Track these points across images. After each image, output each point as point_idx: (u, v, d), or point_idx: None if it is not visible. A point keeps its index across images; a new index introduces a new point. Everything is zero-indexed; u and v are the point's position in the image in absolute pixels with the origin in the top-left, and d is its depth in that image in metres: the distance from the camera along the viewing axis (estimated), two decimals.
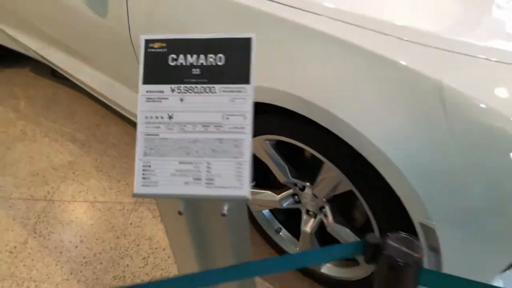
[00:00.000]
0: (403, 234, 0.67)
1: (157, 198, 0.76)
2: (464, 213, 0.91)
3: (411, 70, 0.89)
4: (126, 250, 1.63)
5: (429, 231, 0.98)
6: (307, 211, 1.33)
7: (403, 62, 0.90)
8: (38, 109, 2.41)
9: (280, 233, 1.49)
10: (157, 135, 0.73)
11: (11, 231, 1.73)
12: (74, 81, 2.08)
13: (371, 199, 1.05)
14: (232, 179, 0.71)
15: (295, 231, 1.44)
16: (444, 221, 0.94)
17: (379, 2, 1.08)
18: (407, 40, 0.95)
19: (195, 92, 0.72)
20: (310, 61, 1.01)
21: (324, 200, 1.24)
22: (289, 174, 1.27)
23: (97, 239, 1.67)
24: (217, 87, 0.72)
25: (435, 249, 1.01)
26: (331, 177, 1.13)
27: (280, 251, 1.51)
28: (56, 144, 2.16)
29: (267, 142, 1.24)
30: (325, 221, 1.28)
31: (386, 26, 0.98)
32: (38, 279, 1.55)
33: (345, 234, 1.24)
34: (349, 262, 1.34)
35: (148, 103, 0.74)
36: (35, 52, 2.19)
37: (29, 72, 2.75)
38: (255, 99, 1.08)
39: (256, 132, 1.21)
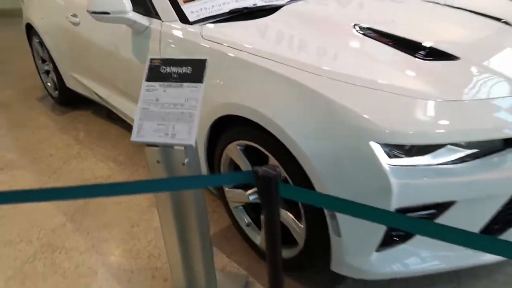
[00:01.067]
0: (271, 166, 1.16)
1: (143, 144, 1.31)
2: (345, 186, 1.37)
3: (319, 94, 1.41)
4: (137, 234, 2.13)
5: None
6: None
7: (314, 88, 1.43)
8: (92, 139, 3.10)
9: (250, 227, 1.94)
10: (148, 109, 1.30)
11: (55, 216, 2.31)
12: (125, 118, 2.75)
13: (292, 175, 1.50)
14: (186, 134, 1.25)
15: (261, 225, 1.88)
16: (334, 192, 1.39)
17: (315, 52, 1.63)
18: (323, 77, 1.48)
19: (172, 87, 1.30)
20: (263, 87, 1.56)
21: None
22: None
23: (117, 225, 2.20)
24: (185, 84, 1.29)
25: (333, 216, 1.44)
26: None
27: (249, 241, 1.95)
28: (101, 163, 2.79)
29: (238, 147, 1.76)
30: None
31: (314, 68, 1.52)
32: (68, 247, 2.08)
33: (287, 217, 1.68)
34: (287, 245, 1.74)
35: (146, 92, 1.32)
36: (98, 95, 2.94)
37: (90, 114, 3.52)
38: (230, 112, 1.64)
39: (231, 140, 1.75)
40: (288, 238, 1.72)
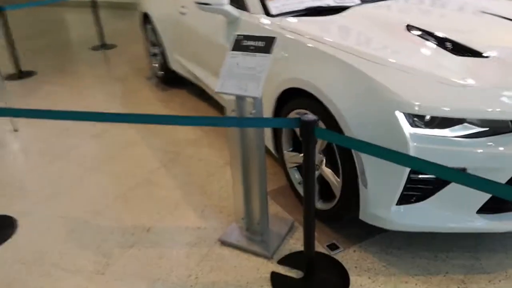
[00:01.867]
0: (311, 115, 1.58)
1: (222, 94, 1.80)
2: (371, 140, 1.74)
3: (362, 72, 1.80)
4: (212, 181, 2.67)
5: (357, 157, 1.81)
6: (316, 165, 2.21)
7: (359, 68, 1.83)
8: (185, 111, 3.74)
9: (300, 184, 2.36)
10: (230, 70, 1.79)
11: (153, 162, 2.93)
12: (213, 95, 3.31)
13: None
14: (255, 90, 1.72)
15: None
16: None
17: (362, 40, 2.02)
18: (369, 61, 1.86)
19: (249, 56, 1.78)
20: (321, 67, 1.99)
21: (320, 154, 2.12)
22: None
23: (198, 174, 2.75)
24: (258, 54, 1.76)
25: (363, 171, 1.82)
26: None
27: (300, 197, 2.37)
28: (191, 130, 3.39)
29: (296, 115, 2.20)
30: (321, 167, 2.14)
31: (363, 54, 1.91)
32: (161, 184, 2.67)
33: (328, 173, 2.08)
34: (326, 199, 2.13)
35: (231, 58, 1.81)
36: (194, 75, 3.55)
37: (186, 92, 4.19)
38: (294, 85, 2.08)
39: (291, 109, 2.19)
40: (328, 193, 2.12)
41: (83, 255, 2.14)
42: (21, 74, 4.98)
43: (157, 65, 4.42)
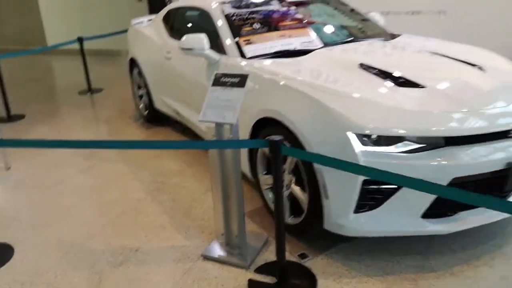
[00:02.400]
0: (280, 137, 1.91)
1: (206, 122, 2.12)
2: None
3: (320, 102, 2.16)
4: (195, 206, 2.93)
5: (319, 172, 2.12)
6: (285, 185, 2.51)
7: (318, 99, 2.18)
8: None
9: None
10: (211, 102, 2.13)
11: (139, 191, 3.19)
12: (195, 130, 3.64)
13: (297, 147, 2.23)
14: (231, 118, 2.05)
15: None
16: (325, 167, 2.09)
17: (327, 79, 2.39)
18: (325, 92, 2.22)
19: (226, 90, 2.12)
20: (288, 99, 2.34)
21: (290, 174, 2.43)
22: None
23: (183, 199, 3.01)
24: (234, 88, 2.11)
25: (324, 185, 2.13)
26: (291, 158, 2.36)
27: (273, 213, 2.65)
28: (174, 162, 3.67)
29: None
30: (291, 186, 2.45)
31: (321, 87, 2.27)
32: (147, 211, 2.92)
33: (297, 190, 2.38)
34: (296, 215, 2.42)
35: (211, 93, 2.15)
36: (177, 112, 3.88)
37: (169, 129, 4.50)
38: (266, 115, 2.42)
39: (264, 136, 2.52)
40: (298, 209, 2.41)
41: (77, 274, 2.35)
42: (10, 118, 5.22)
43: (142, 105, 4.75)
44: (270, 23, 3.18)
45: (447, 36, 4.94)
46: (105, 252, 2.51)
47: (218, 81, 2.17)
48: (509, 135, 2.13)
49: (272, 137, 1.91)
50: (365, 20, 3.70)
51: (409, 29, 5.38)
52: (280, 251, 2.13)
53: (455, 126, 2.02)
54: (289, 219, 2.49)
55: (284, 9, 3.32)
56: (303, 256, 2.36)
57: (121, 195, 3.17)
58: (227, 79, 2.16)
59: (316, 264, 2.29)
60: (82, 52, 6.28)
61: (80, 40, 6.21)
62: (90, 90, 6.31)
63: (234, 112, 2.07)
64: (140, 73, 4.50)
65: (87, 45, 6.47)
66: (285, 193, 2.49)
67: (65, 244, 2.61)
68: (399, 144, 2.04)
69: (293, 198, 2.46)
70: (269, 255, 2.38)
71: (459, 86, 2.31)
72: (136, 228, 2.73)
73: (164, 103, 4.16)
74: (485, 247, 2.36)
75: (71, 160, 3.85)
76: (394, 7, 5.77)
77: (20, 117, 5.29)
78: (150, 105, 4.46)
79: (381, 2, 5.80)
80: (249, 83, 2.54)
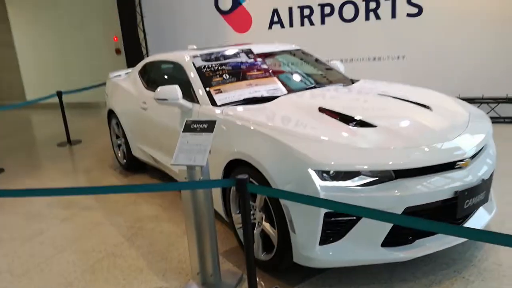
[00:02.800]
0: (245, 176, 2.08)
1: (178, 165, 2.28)
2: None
3: (283, 143, 2.36)
4: (172, 249, 3.02)
5: (285, 208, 2.29)
6: (257, 223, 2.66)
7: (281, 140, 2.39)
8: (146, 193, 4.14)
9: None
10: (182, 147, 2.31)
11: (116, 236, 3.26)
12: (171, 174, 3.79)
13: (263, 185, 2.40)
14: (201, 160, 2.22)
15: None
16: (290, 203, 2.26)
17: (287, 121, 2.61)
18: (287, 135, 2.43)
19: (196, 135, 2.31)
20: (255, 142, 2.54)
21: (260, 211, 2.58)
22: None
23: (160, 243, 3.10)
24: (203, 133, 2.30)
25: (290, 219, 2.29)
26: (260, 196, 2.52)
27: None
28: (151, 207, 3.78)
29: None
30: (262, 223, 2.59)
31: (284, 130, 2.48)
32: (125, 255, 2.99)
33: (267, 226, 2.53)
34: (268, 251, 2.55)
35: (182, 138, 2.34)
36: (154, 158, 4.04)
37: (147, 176, 4.62)
38: (236, 157, 2.61)
39: (236, 174, 2.69)
40: (270, 246, 2.55)
41: None
42: None
43: (120, 154, 4.89)
44: (239, 74, 3.45)
45: (406, 79, 5.34)
46: None
47: (188, 128, 2.36)
48: (456, 167, 2.36)
49: (239, 176, 2.08)
50: (327, 68, 4.02)
51: (372, 73, 5.80)
52: (251, 284, 2.24)
53: (403, 160, 2.24)
54: (262, 256, 2.61)
55: (251, 60, 3.61)
56: None
57: (99, 242, 3.24)
58: (197, 125, 2.35)
59: None
60: (61, 105, 6.45)
61: (59, 94, 6.40)
62: (69, 142, 6.43)
63: (204, 155, 2.24)
64: (118, 124, 4.67)
65: (66, 98, 6.66)
66: (257, 230, 2.63)
67: None
68: (356, 178, 2.24)
69: (265, 235, 2.60)
70: None
71: (408, 125, 2.56)
72: (114, 273, 2.80)
73: (142, 150, 4.31)
74: (446, 273, 2.52)
75: (50, 210, 3.91)
76: (357, 54, 6.21)
77: (0, 171, 5.34)
78: (128, 153, 4.61)
79: (346, 50, 6.24)
80: (219, 128, 2.76)
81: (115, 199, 4.03)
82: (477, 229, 1.57)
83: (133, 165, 4.69)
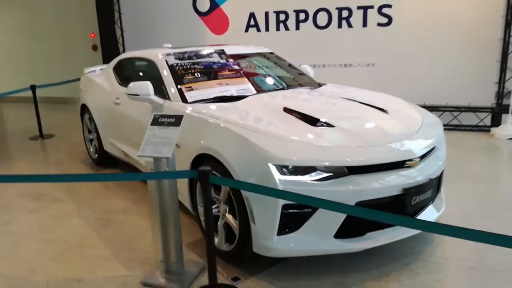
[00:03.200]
0: (208, 167, 2.20)
1: (145, 157, 2.39)
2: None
3: (246, 139, 2.49)
4: (137, 239, 3.10)
5: (247, 200, 2.42)
6: (221, 215, 2.78)
7: (245, 136, 2.52)
8: (116, 186, 4.21)
9: None
10: (149, 139, 2.41)
11: (84, 227, 3.33)
12: (140, 168, 3.87)
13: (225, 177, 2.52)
14: (167, 152, 2.34)
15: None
16: (251, 195, 2.39)
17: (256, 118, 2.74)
18: (252, 131, 2.57)
19: (163, 128, 2.42)
20: (220, 137, 2.66)
21: (224, 204, 2.71)
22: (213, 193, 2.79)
23: (126, 233, 3.18)
24: (170, 127, 2.41)
25: (251, 210, 2.42)
26: (224, 188, 2.65)
27: None
28: (120, 200, 3.85)
29: None
30: (225, 215, 2.71)
31: (248, 127, 2.62)
32: (92, 245, 3.06)
33: (230, 218, 2.65)
34: (230, 242, 2.68)
35: (150, 131, 2.44)
36: (125, 153, 4.11)
37: (118, 171, 4.68)
38: (203, 151, 2.72)
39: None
40: (232, 237, 2.67)
41: None
42: None
43: (92, 149, 4.93)
44: (210, 73, 3.57)
45: (376, 85, 5.58)
46: (49, 284, 2.63)
47: (156, 121, 2.47)
48: (405, 166, 2.55)
49: (201, 168, 2.20)
50: (297, 71, 4.18)
51: (344, 78, 6.01)
52: (211, 273, 2.36)
53: (356, 158, 2.41)
54: (225, 246, 2.74)
55: (223, 61, 3.74)
56: (235, 279, 2.59)
57: (66, 232, 3.29)
58: (164, 119, 2.46)
59: (246, 285, 2.53)
60: (34, 99, 6.42)
61: (32, 87, 6.37)
62: (42, 136, 6.40)
63: (170, 148, 2.36)
64: (90, 118, 4.72)
65: (41, 93, 6.63)
66: (221, 222, 2.75)
67: (9, 279, 2.70)
68: (312, 173, 2.39)
69: (228, 226, 2.72)
70: (205, 281, 2.59)
71: (364, 126, 2.74)
72: (79, 261, 2.87)
73: (113, 145, 4.37)
74: (395, 265, 2.70)
75: (19, 202, 3.94)
76: (330, 60, 6.43)
77: None
78: (99, 148, 4.66)
79: (319, 56, 6.45)
80: (188, 124, 2.87)
81: (85, 192, 4.09)
82: (419, 220, 1.75)
83: (104, 160, 4.74)
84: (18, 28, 9.71)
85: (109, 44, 7.79)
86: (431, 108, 6.00)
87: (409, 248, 2.88)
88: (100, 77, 4.77)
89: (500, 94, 5.81)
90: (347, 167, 2.40)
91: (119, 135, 4.20)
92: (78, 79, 5.65)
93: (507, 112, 5.58)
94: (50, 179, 2.25)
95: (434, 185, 2.69)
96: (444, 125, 5.83)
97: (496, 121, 5.82)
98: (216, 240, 2.81)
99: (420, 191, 2.54)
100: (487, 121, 5.94)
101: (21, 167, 5.05)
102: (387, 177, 2.46)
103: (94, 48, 8.97)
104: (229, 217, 2.67)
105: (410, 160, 2.54)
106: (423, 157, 2.67)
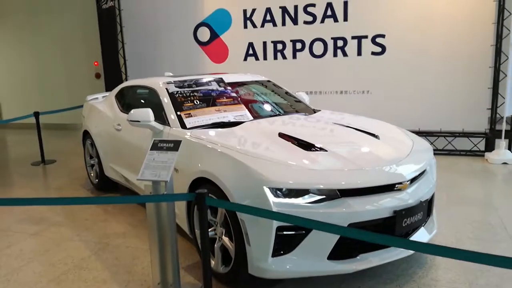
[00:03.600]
0: (204, 190, 2.30)
1: (144, 180, 2.48)
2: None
3: (242, 163, 2.60)
4: (136, 262, 3.16)
5: (242, 222, 2.50)
6: (218, 238, 2.85)
7: (241, 160, 2.62)
8: (116, 211, 4.28)
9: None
10: (148, 163, 2.51)
11: (84, 251, 3.39)
12: (140, 193, 3.96)
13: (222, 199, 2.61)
14: (166, 176, 2.43)
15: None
16: (246, 217, 2.48)
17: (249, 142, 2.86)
18: (247, 155, 2.67)
19: (162, 153, 2.53)
20: (218, 161, 2.77)
21: (221, 227, 2.78)
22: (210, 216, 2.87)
23: (125, 256, 3.24)
24: (169, 152, 2.52)
25: (246, 232, 2.50)
26: (221, 211, 2.73)
27: None
28: (120, 225, 3.92)
29: None
30: (222, 238, 2.79)
31: (245, 151, 2.73)
32: (91, 268, 3.12)
33: (226, 240, 2.72)
34: (226, 264, 2.74)
35: (149, 155, 2.55)
36: (125, 178, 4.20)
37: (119, 195, 4.76)
38: (201, 175, 2.82)
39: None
40: (228, 259, 2.73)
41: None
42: None
43: (93, 174, 5.02)
44: (209, 100, 3.71)
45: (371, 111, 5.72)
46: None
47: (156, 146, 2.59)
48: (395, 188, 2.64)
49: (198, 190, 2.30)
50: (293, 98, 4.33)
51: (340, 105, 6.17)
52: None
53: (347, 181, 2.51)
54: (221, 269, 2.80)
55: (221, 88, 3.89)
56: None
57: (66, 255, 3.35)
58: (163, 144, 2.58)
59: None
60: (37, 125, 6.57)
61: (36, 114, 6.53)
62: (43, 161, 6.51)
63: (168, 171, 2.46)
64: (92, 144, 4.84)
65: (44, 119, 6.78)
66: (218, 244, 2.82)
67: None
68: (306, 196, 2.48)
69: (224, 249, 2.79)
70: None
71: (356, 150, 2.85)
72: (79, 284, 2.92)
73: (114, 170, 4.47)
74: (388, 287, 2.75)
75: (20, 226, 4.00)
76: (326, 88, 6.60)
77: None
78: (100, 173, 4.76)
79: (315, 83, 6.63)
80: (187, 149, 2.98)
81: (85, 216, 4.16)
82: (411, 240, 1.84)
83: (105, 184, 4.82)
84: (23, 55, 9.98)
85: (112, 73, 8.00)
86: (426, 134, 6.13)
87: (402, 270, 2.93)
88: (102, 104, 4.92)
89: (493, 120, 5.95)
90: (339, 190, 2.50)
91: (120, 160, 4.31)
92: (81, 106, 5.80)
93: (500, 137, 5.70)
94: (50, 202, 2.34)
95: (424, 208, 2.77)
96: (438, 150, 6.03)
97: (490, 146, 5.93)
98: (212, 262, 2.88)
99: (410, 213, 2.62)
100: (481, 146, 6.05)
101: (22, 192, 5.14)
102: (378, 199, 2.55)
103: (97, 76, 9.19)
104: (226, 239, 2.74)
105: (400, 183, 2.63)
106: (413, 180, 2.76)
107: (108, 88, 7.71)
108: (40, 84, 9.96)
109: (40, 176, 5.85)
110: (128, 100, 4.54)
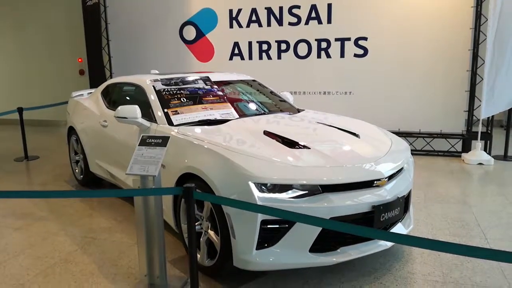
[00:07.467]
0: (192, 184, 2.38)
1: (132, 175, 2.55)
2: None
3: (228, 159, 2.69)
4: (122, 256, 3.22)
5: (228, 216, 2.59)
6: (204, 232, 2.93)
7: (227, 156, 2.72)
8: (102, 206, 4.31)
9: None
10: (137, 158, 2.58)
11: (70, 244, 3.43)
12: (125, 188, 4.01)
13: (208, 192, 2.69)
14: (154, 171, 2.51)
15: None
16: (232, 211, 2.57)
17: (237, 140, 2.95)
18: (233, 152, 2.77)
19: (151, 148, 2.60)
20: (204, 157, 2.85)
21: (207, 221, 2.87)
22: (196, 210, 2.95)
23: (112, 250, 3.29)
24: (157, 147, 2.59)
25: (232, 225, 2.59)
26: (207, 205, 2.81)
27: None
28: (105, 220, 3.96)
29: None
30: (208, 232, 2.87)
31: (231, 148, 2.82)
32: (77, 261, 3.16)
33: (212, 234, 2.81)
34: (212, 257, 2.83)
35: (137, 151, 2.62)
36: (110, 173, 4.24)
37: None
38: (188, 170, 2.90)
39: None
40: (214, 253, 2.82)
41: None
42: None
43: (78, 170, 5.04)
44: (196, 98, 3.79)
45: (353, 112, 5.88)
46: None
47: (144, 142, 2.65)
48: (374, 185, 2.77)
49: (186, 185, 2.38)
50: (278, 98, 4.44)
51: (323, 105, 6.30)
52: (193, 284, 2.50)
53: (329, 177, 2.62)
54: (207, 262, 2.88)
55: (208, 87, 3.97)
56: None
57: (52, 249, 3.39)
58: (151, 140, 2.65)
59: None
60: (21, 121, 6.52)
61: (19, 110, 6.48)
62: (27, 157, 6.47)
63: (156, 166, 2.53)
64: (77, 140, 4.85)
65: (27, 115, 6.73)
66: (204, 238, 2.91)
67: None
68: (289, 191, 2.59)
69: (210, 242, 2.88)
70: None
71: (337, 148, 2.97)
72: (65, 276, 2.97)
73: (99, 166, 4.51)
74: (367, 279, 2.88)
75: (3, 220, 4.01)
76: (310, 88, 6.74)
77: None
78: (85, 169, 4.78)
79: (299, 84, 6.76)
80: (174, 145, 3.06)
81: (70, 212, 4.18)
82: (390, 232, 1.96)
83: (90, 180, 4.85)
84: (6, 50, 9.84)
85: (96, 69, 7.98)
86: (406, 134, 6.32)
87: (380, 264, 3.07)
88: (88, 100, 4.94)
89: (470, 122, 6.17)
90: (321, 186, 2.61)
91: (106, 156, 4.34)
92: (65, 103, 5.80)
93: (476, 138, 5.92)
94: (35, 195, 2.39)
95: (401, 204, 2.91)
96: (417, 150, 6.23)
97: (467, 147, 6.16)
98: (198, 256, 2.96)
99: (388, 209, 2.76)
100: (458, 147, 6.27)
101: (5, 187, 5.11)
102: (358, 195, 2.68)
103: (81, 72, 9.14)
104: (211, 233, 2.83)
105: (379, 180, 2.76)
106: (391, 177, 2.90)
107: (92, 85, 7.69)
108: (23, 80, 9.85)
109: (23, 172, 5.82)
110: (114, 97, 4.58)
